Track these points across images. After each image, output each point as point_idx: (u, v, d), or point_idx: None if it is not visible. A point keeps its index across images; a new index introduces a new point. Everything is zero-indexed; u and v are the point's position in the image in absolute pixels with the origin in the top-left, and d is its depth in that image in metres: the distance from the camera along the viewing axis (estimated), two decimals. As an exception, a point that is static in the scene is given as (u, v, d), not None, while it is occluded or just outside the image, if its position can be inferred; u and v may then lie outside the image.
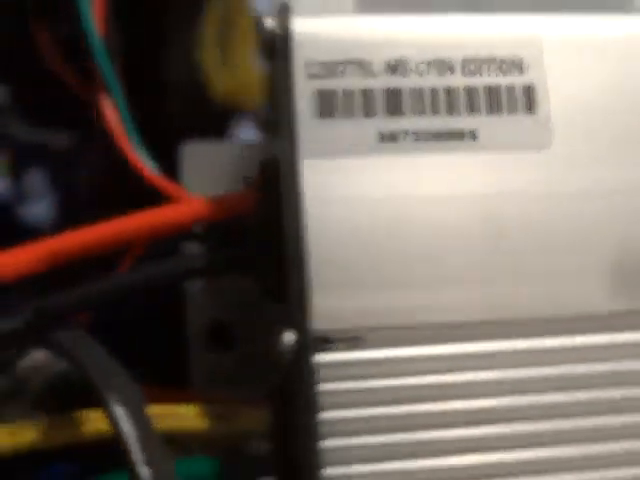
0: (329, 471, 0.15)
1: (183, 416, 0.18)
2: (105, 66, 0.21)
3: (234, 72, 0.46)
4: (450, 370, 0.15)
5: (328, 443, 0.15)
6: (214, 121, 0.51)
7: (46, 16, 0.46)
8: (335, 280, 0.15)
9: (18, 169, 0.46)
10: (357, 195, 0.16)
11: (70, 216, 0.47)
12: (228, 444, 0.19)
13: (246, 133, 0.50)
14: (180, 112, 0.48)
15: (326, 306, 0.15)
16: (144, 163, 0.21)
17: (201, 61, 0.48)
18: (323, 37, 0.16)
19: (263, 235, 0.18)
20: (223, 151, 0.23)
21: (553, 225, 0.16)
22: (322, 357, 0.16)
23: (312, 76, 0.16)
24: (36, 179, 0.47)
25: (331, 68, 0.16)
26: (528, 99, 0.16)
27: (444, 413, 0.15)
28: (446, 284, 0.15)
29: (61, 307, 0.20)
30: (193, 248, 0.21)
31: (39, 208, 0.45)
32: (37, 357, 0.24)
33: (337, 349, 0.16)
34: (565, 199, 0.16)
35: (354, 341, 0.16)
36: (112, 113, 0.21)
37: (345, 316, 0.16)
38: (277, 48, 0.16)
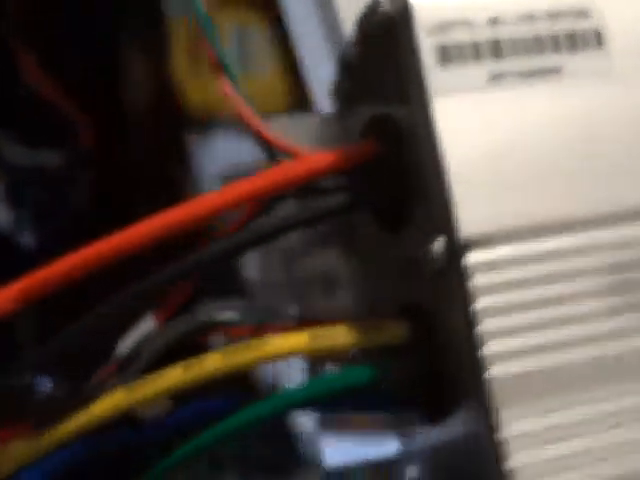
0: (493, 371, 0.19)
1: (335, 334, 0.22)
2: (218, 47, 0.24)
3: (208, 83, 0.50)
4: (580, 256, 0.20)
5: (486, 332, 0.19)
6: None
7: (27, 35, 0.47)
8: (471, 189, 0.20)
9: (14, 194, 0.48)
10: (479, 121, 0.20)
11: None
12: (373, 357, 0.22)
13: (224, 141, 0.53)
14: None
15: (467, 212, 0.19)
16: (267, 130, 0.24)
17: (173, 76, 0.50)
18: (435, 4, 0.20)
19: (384, 175, 0.22)
20: (306, 123, 0.26)
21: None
22: (471, 258, 0.20)
23: (431, 34, 0.20)
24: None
25: (445, 27, 0.20)
26: (599, 38, 0.21)
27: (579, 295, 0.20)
28: (558, 185, 0.20)
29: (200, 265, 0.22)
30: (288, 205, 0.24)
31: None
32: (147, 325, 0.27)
33: (484, 249, 0.20)
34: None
35: (495, 240, 0.20)
36: (231, 90, 0.24)
37: (484, 220, 0.20)
38: (398, 21, 0.20)
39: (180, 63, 0.50)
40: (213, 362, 0.21)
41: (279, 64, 0.50)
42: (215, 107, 0.51)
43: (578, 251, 0.20)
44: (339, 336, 0.22)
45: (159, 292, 0.23)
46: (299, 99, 0.50)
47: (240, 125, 0.24)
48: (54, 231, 0.49)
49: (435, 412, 0.22)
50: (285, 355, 0.21)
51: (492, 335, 0.20)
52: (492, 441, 0.20)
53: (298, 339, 0.22)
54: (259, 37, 0.50)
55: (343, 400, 0.22)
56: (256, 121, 0.24)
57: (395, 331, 0.22)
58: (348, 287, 0.25)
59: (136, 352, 0.23)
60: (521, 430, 0.19)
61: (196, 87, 0.50)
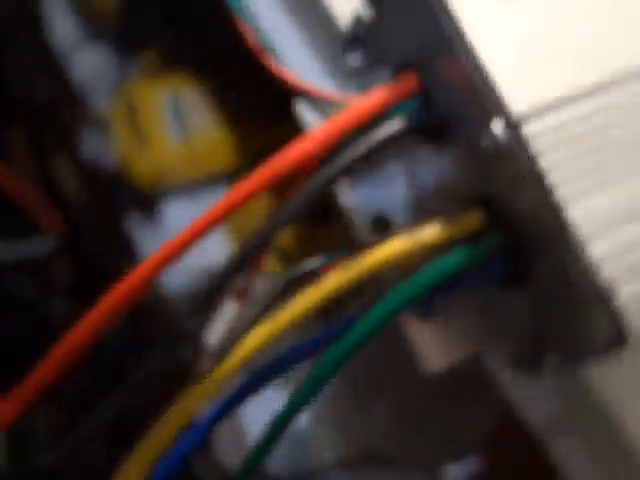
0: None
1: (427, 232, 0.24)
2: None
3: (151, 152, 0.52)
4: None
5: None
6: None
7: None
8: (514, 67, 0.23)
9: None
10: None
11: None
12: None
13: (176, 209, 0.55)
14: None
15: (516, 89, 0.23)
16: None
17: (117, 151, 0.53)
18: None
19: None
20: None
21: None
22: (530, 128, 0.23)
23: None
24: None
25: None
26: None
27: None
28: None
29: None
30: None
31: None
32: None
33: (539, 118, 0.23)
34: None
35: (548, 108, 0.23)
36: (251, 36, 0.27)
37: (534, 93, 0.23)
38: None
39: (123, 140, 0.52)
40: (336, 278, 0.24)
41: (220, 119, 0.53)
42: (165, 174, 0.54)
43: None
44: (432, 232, 0.24)
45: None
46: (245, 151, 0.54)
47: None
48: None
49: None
50: (395, 258, 0.24)
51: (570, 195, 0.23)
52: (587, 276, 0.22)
53: (399, 242, 0.24)
54: (194, 100, 0.53)
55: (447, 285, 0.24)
56: (304, 82, 0.27)
57: (474, 218, 0.25)
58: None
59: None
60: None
61: (142, 159, 0.52)
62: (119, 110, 0.52)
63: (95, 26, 0.54)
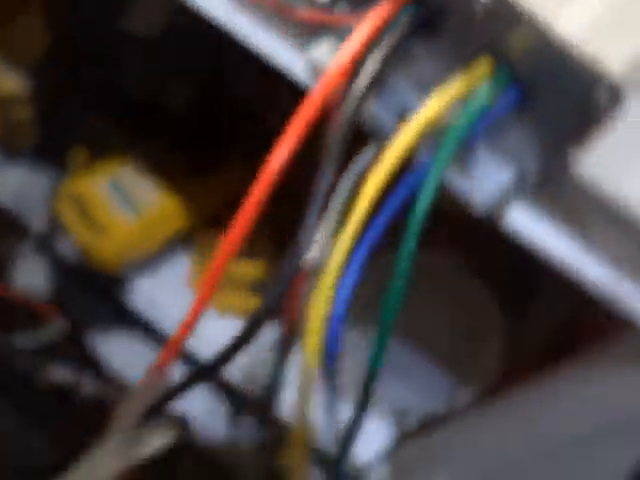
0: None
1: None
2: None
3: (111, 237, 0.54)
4: None
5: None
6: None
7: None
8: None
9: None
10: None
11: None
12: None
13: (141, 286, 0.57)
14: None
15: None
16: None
17: (77, 246, 0.54)
18: None
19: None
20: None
21: None
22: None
23: None
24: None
25: None
26: None
27: None
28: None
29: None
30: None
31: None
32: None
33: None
34: None
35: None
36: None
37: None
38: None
39: (80, 234, 0.54)
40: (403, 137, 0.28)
41: (161, 186, 0.56)
42: (128, 252, 0.56)
43: None
44: (457, 84, 0.29)
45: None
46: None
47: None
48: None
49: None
50: (437, 113, 0.28)
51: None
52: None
53: (436, 100, 0.28)
54: (132, 177, 0.56)
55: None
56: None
57: (485, 63, 0.28)
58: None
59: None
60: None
61: (104, 245, 0.54)
62: (67, 209, 0.54)
63: (14, 142, 0.56)
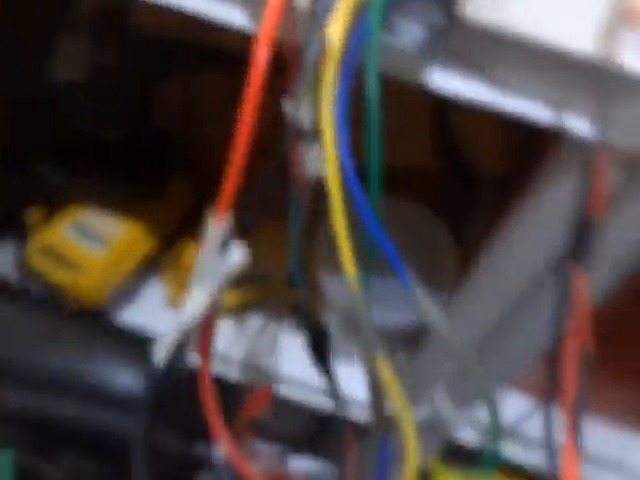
0: None
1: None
2: None
3: (87, 274, 0.58)
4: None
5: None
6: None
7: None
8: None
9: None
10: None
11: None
12: None
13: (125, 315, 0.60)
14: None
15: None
16: None
17: (57, 288, 0.58)
18: None
19: None
20: None
21: None
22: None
23: None
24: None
25: None
26: None
27: None
28: None
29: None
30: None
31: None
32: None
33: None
34: None
35: None
36: None
37: None
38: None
39: (58, 277, 0.57)
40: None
41: (121, 218, 0.60)
42: (106, 285, 0.59)
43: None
44: None
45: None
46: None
47: None
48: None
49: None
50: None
51: None
52: None
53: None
54: (92, 216, 0.60)
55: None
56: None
57: None
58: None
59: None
60: None
61: (82, 282, 0.57)
62: (41, 262, 0.58)
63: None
